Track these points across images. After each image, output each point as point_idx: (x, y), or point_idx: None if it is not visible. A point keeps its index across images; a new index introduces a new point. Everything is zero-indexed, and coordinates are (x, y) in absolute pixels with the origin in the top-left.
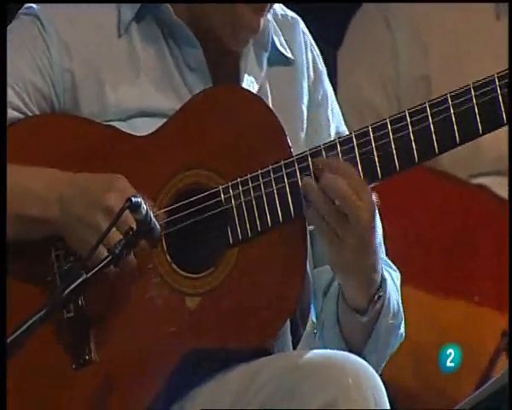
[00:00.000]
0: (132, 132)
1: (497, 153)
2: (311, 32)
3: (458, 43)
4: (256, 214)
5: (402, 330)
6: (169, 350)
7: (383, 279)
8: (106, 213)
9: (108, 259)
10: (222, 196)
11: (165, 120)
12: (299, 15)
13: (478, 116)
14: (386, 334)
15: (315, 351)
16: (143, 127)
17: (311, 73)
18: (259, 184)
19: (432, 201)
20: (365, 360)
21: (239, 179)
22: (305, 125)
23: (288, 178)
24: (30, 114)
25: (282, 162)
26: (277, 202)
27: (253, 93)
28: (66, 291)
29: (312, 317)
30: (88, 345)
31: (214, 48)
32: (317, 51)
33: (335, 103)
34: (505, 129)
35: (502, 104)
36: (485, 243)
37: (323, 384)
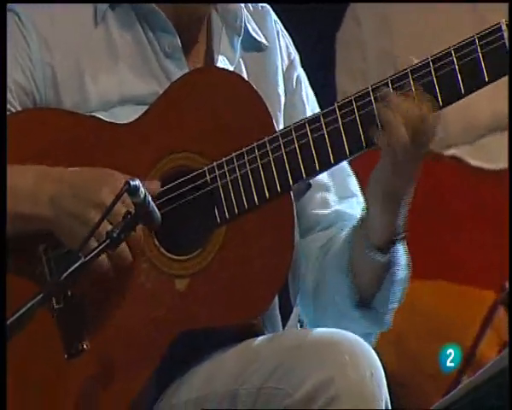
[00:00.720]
0: (115, 121)
1: (461, 124)
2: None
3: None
4: (242, 192)
5: (406, 285)
6: (161, 333)
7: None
8: (98, 209)
9: (106, 242)
10: (207, 176)
11: (146, 106)
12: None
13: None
14: (396, 284)
15: (311, 330)
16: (125, 115)
17: (285, 59)
18: (244, 162)
19: None
20: (374, 310)
21: (224, 159)
22: (282, 106)
23: (272, 153)
24: (12, 110)
25: (266, 139)
26: (263, 178)
27: (230, 71)
28: (64, 275)
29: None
30: (79, 335)
31: (188, 35)
32: (288, 38)
33: (309, 88)
34: (469, 99)
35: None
36: (461, 214)
37: (320, 362)
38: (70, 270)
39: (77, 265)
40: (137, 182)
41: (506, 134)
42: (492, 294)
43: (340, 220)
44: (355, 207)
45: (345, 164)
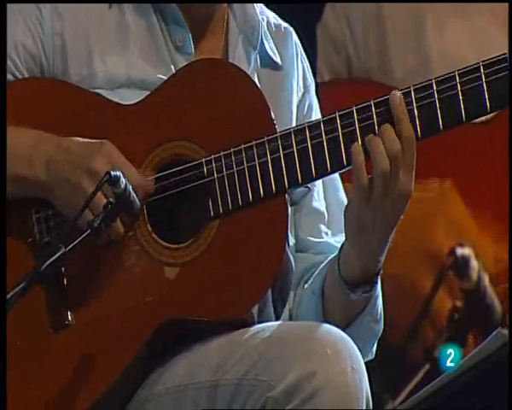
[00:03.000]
0: (118, 102)
1: (442, 71)
2: None
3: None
4: (238, 188)
5: (375, 347)
6: (146, 318)
7: (377, 277)
8: (91, 176)
9: (87, 232)
10: (204, 168)
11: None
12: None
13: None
14: (364, 332)
15: (294, 323)
16: (130, 98)
17: (301, 82)
18: (242, 159)
19: None
20: None
21: (222, 153)
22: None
23: (270, 154)
24: (19, 76)
25: (266, 138)
26: (259, 177)
27: (238, 67)
28: (45, 265)
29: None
30: (65, 308)
31: (202, 33)
32: (307, 63)
33: (320, 117)
34: (454, 43)
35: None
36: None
37: (303, 356)
38: (50, 260)
39: (57, 255)
40: (118, 173)
41: None
42: None
43: (329, 252)
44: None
45: (343, 197)
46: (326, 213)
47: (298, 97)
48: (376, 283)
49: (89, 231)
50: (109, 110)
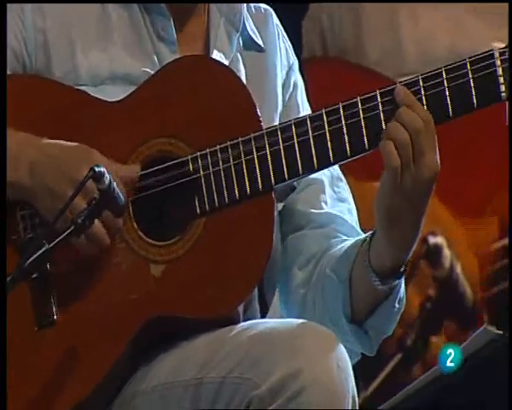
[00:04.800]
0: (102, 98)
1: (419, 55)
2: None
3: None
4: (224, 185)
5: (397, 321)
6: (131, 316)
7: (406, 267)
8: (75, 186)
9: (71, 229)
10: (190, 165)
11: (135, 86)
12: None
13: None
14: (387, 316)
15: (281, 320)
16: (114, 93)
17: (284, 61)
18: (228, 156)
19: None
20: (364, 330)
21: (208, 150)
22: (279, 107)
23: (257, 151)
24: None
25: (252, 135)
26: (245, 174)
27: (223, 64)
28: (28, 262)
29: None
30: (50, 306)
31: (184, 20)
32: (288, 43)
33: (305, 95)
34: (428, 31)
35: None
36: None
37: (288, 354)
38: (33, 257)
39: (41, 252)
40: (102, 168)
41: None
42: None
43: (333, 223)
44: (346, 213)
45: (337, 168)
46: (323, 184)
47: (282, 77)
48: (405, 272)
49: (72, 228)
50: (93, 108)
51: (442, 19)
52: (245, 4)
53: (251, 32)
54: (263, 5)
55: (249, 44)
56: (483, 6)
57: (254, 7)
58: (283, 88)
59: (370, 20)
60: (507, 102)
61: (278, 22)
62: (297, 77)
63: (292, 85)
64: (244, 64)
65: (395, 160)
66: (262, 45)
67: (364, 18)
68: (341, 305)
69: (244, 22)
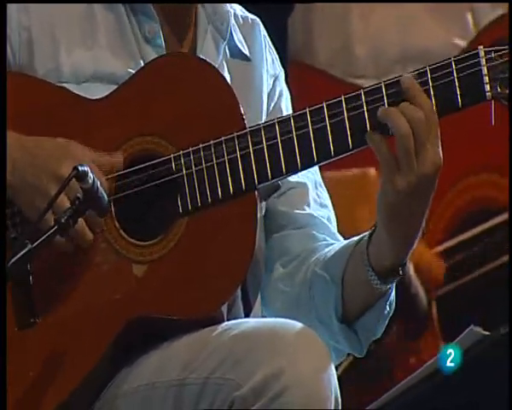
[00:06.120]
0: (85, 96)
1: (370, 56)
2: None
3: None
4: (206, 184)
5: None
6: (113, 316)
7: (405, 267)
8: (58, 182)
9: (54, 228)
10: (173, 163)
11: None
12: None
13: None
14: (378, 315)
15: (263, 320)
16: (97, 92)
17: (271, 71)
18: (211, 155)
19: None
20: (354, 331)
21: (191, 149)
22: (264, 117)
23: (240, 150)
24: None
25: (235, 134)
26: (228, 173)
27: (207, 62)
28: (11, 262)
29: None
30: (31, 307)
31: (172, 24)
32: (275, 55)
33: (290, 104)
34: (378, 31)
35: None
36: None
37: (270, 354)
38: (16, 257)
39: (24, 252)
40: (86, 168)
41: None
42: None
43: (315, 225)
44: (326, 219)
45: (317, 174)
46: (306, 186)
47: (268, 86)
48: (403, 272)
49: (56, 228)
50: (76, 105)
51: (394, 17)
52: (232, 13)
53: (237, 42)
54: (251, 15)
55: (235, 53)
56: (438, 4)
57: (242, 17)
58: (268, 97)
59: (321, 20)
60: (492, 102)
61: (265, 33)
62: (282, 87)
63: (277, 95)
64: (230, 72)
65: (386, 153)
66: (248, 55)
67: (315, 18)
68: (333, 305)
69: (231, 31)
